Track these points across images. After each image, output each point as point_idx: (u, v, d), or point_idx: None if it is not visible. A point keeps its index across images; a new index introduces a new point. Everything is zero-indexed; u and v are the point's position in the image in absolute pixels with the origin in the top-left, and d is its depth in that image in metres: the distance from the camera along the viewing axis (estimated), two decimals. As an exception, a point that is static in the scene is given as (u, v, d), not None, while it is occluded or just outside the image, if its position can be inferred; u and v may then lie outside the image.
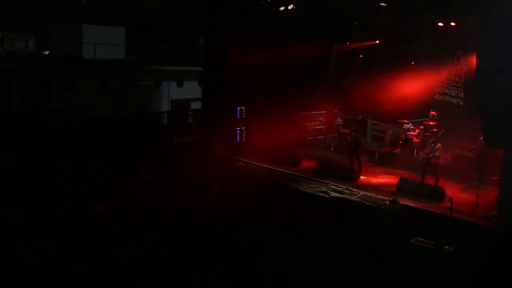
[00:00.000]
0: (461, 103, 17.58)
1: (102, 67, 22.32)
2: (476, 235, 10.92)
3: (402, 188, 14.04)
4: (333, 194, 13.99)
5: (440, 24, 17.40)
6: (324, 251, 9.68)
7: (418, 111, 18.43)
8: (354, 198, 13.65)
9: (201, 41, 19.47)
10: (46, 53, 25.61)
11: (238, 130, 18.63)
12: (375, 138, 19.50)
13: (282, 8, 17.02)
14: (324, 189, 14.36)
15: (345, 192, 14.00)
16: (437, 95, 18.74)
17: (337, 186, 14.37)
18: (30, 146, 16.77)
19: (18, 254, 8.16)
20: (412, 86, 19.12)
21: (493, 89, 11.32)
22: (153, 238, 9.32)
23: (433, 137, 14.78)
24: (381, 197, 13.51)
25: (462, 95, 17.68)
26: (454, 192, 13.61)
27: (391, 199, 13.14)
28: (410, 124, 17.72)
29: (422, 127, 17.31)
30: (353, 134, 15.83)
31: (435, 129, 16.69)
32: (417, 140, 16.99)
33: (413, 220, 12.34)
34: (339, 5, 17.49)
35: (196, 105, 24.39)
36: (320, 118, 20.74)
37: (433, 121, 17.29)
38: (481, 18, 11.82)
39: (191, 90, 25.33)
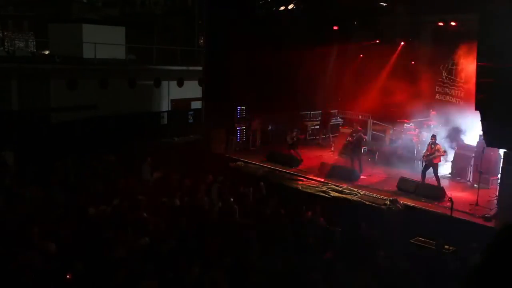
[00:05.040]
0: (461, 103, 17.58)
1: (102, 67, 22.34)
2: (476, 235, 10.92)
3: (402, 187, 14.04)
4: (333, 193, 13.98)
5: (440, 24, 17.41)
6: (324, 251, 9.68)
7: (418, 111, 18.46)
8: (354, 197, 13.64)
9: (201, 41, 19.45)
10: (46, 53, 25.63)
11: (238, 130, 18.63)
12: (375, 137, 19.51)
13: (282, 8, 17.01)
14: (324, 188, 14.34)
15: (345, 191, 13.99)
16: (437, 95, 18.75)
17: (337, 186, 14.36)
18: (30, 146, 16.77)
19: (17, 254, 8.16)
20: (411, 86, 19.15)
21: (493, 89, 11.33)
22: (153, 238, 9.32)
23: (433, 137, 14.78)
24: (381, 196, 13.50)
25: (462, 95, 17.68)
26: (454, 192, 13.61)
27: (391, 198, 13.13)
28: (410, 124, 17.73)
29: (424, 127, 17.31)
30: (354, 134, 15.81)
31: (435, 129, 16.70)
32: (417, 140, 17.00)
33: (413, 220, 12.34)
34: (340, 5, 17.49)
35: (196, 105, 24.39)
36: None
37: (433, 121, 17.30)
38: (481, 18, 11.82)
39: (191, 90, 25.33)
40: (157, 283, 7.38)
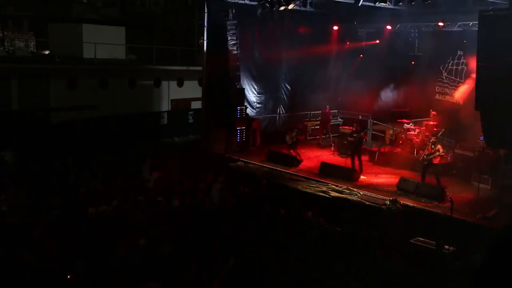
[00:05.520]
0: (461, 103, 17.59)
1: (102, 67, 22.35)
2: (476, 235, 10.92)
3: (402, 188, 14.03)
4: (333, 193, 13.96)
5: (440, 24, 17.42)
6: (324, 251, 9.69)
7: (418, 111, 18.47)
8: (354, 197, 13.64)
9: (201, 41, 19.45)
10: (46, 53, 25.65)
11: (238, 130, 18.62)
12: (375, 137, 19.51)
13: (282, 8, 16.99)
14: (324, 188, 14.33)
15: (345, 191, 13.97)
16: (437, 95, 18.76)
17: (337, 186, 14.35)
18: (30, 146, 16.76)
19: (17, 255, 8.15)
20: (411, 86, 19.17)
21: (493, 89, 11.33)
22: (153, 238, 9.32)
23: (433, 137, 14.78)
24: (381, 197, 13.49)
25: (462, 95, 17.67)
26: (454, 192, 13.60)
27: (391, 199, 13.12)
28: (411, 124, 17.73)
29: (424, 127, 17.32)
30: (354, 135, 15.80)
31: (435, 129, 16.71)
32: (418, 140, 16.99)
33: (413, 220, 12.34)
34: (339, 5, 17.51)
35: (196, 105, 24.42)
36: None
37: (433, 120, 17.30)
38: (481, 18, 11.82)
39: (191, 90, 25.35)
40: (160, 285, 7.35)
